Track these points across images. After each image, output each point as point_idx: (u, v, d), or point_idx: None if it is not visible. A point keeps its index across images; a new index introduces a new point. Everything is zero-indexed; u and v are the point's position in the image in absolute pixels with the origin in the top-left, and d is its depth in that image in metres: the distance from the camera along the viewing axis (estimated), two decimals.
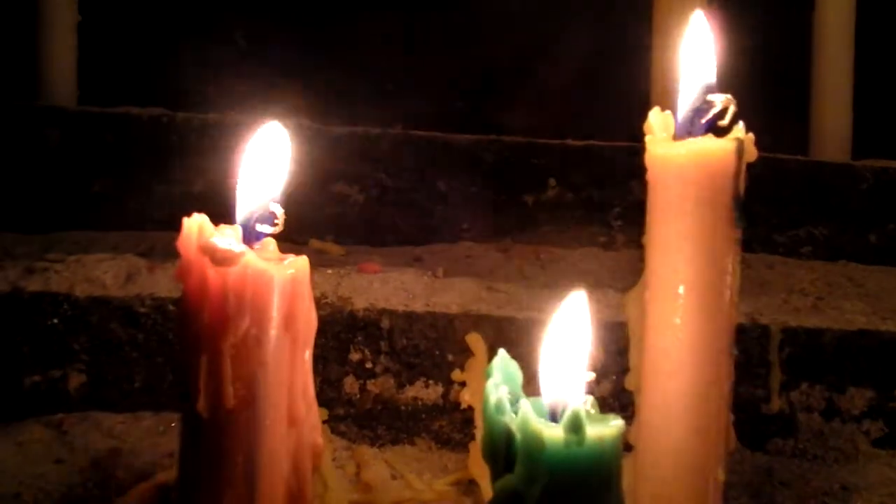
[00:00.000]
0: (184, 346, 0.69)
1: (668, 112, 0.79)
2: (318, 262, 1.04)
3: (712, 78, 0.78)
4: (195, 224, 0.68)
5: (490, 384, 0.67)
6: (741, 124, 0.77)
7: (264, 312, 0.68)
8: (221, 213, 0.72)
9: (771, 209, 1.23)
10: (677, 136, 0.77)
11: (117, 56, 1.39)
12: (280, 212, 0.71)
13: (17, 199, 1.17)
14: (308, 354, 0.71)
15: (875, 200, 1.23)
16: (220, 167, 1.16)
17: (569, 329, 0.68)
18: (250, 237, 0.70)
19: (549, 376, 0.67)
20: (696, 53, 0.78)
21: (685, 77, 0.78)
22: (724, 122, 0.76)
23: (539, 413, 0.66)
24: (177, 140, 1.19)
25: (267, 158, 0.72)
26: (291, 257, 0.70)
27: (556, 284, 1.07)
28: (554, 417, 0.66)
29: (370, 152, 1.21)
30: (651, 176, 0.77)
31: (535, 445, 0.64)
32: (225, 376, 0.67)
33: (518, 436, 0.65)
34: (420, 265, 1.11)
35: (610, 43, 1.44)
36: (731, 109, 0.77)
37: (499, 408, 0.66)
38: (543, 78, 1.47)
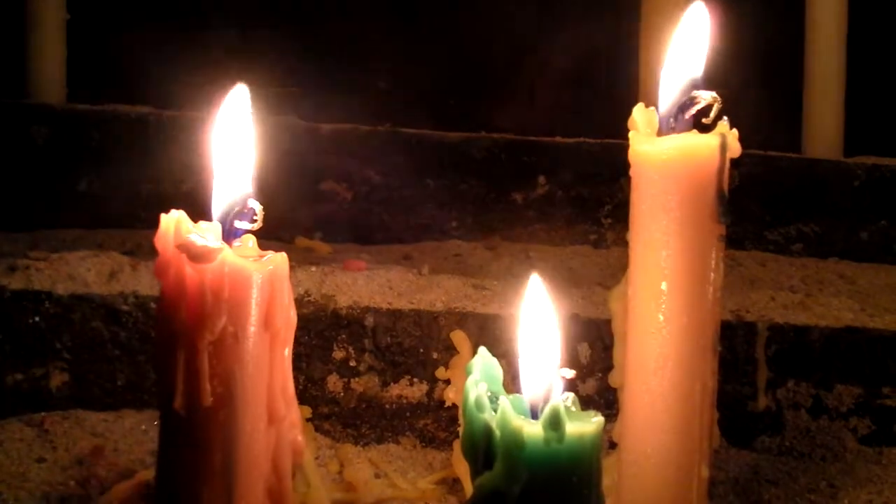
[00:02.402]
0: (161, 344, 0.69)
1: (651, 108, 0.78)
2: (305, 260, 1.04)
3: (699, 72, 0.77)
4: (172, 220, 0.68)
5: (470, 381, 0.67)
6: (725, 120, 0.77)
7: (242, 310, 0.67)
8: (209, 213, 0.72)
9: (763, 206, 1.23)
10: (661, 132, 0.77)
11: (106, 54, 1.39)
12: (259, 208, 0.70)
13: (2, 196, 1.16)
14: (287, 352, 0.70)
15: (867, 197, 1.23)
16: (208, 166, 1.16)
17: (536, 321, 0.68)
18: (229, 234, 0.70)
19: (528, 373, 0.67)
20: (686, 46, 0.78)
21: (669, 70, 0.78)
22: (709, 119, 0.76)
23: (519, 410, 0.66)
24: (164, 138, 1.18)
25: (234, 131, 0.72)
26: (270, 254, 0.70)
27: (544, 282, 1.06)
28: (534, 415, 0.66)
29: (359, 150, 1.21)
30: (634, 172, 0.77)
31: (514, 443, 0.64)
32: (202, 374, 0.67)
33: (498, 433, 0.65)
34: (408, 263, 1.11)
35: (600, 40, 1.44)
36: (716, 106, 0.76)
37: (478, 405, 0.66)
38: (534, 75, 1.47)
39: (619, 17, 1.36)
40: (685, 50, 0.78)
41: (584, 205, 1.22)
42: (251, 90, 1.34)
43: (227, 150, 0.71)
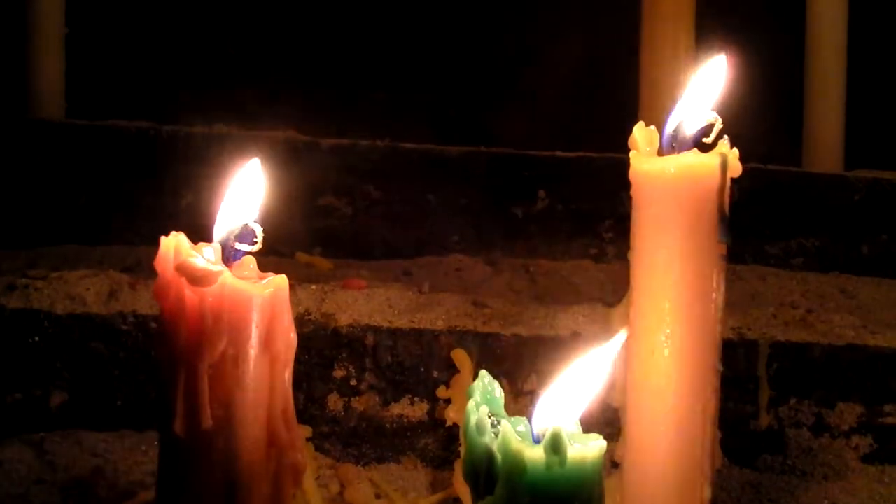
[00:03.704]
0: (161, 367, 0.68)
1: (652, 127, 0.78)
2: (305, 277, 1.03)
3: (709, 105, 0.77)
4: (172, 243, 0.68)
5: (470, 404, 0.67)
6: (726, 139, 0.77)
7: (242, 332, 0.67)
8: (209, 227, 0.71)
9: (763, 220, 1.22)
10: (662, 152, 0.77)
11: (105, 68, 1.38)
12: (259, 230, 0.70)
13: (1, 213, 1.16)
14: (288, 374, 0.70)
15: (867, 211, 1.22)
16: (207, 180, 1.15)
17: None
18: (229, 256, 0.70)
19: (544, 402, 0.67)
20: (703, 88, 0.78)
21: (686, 101, 0.78)
22: (709, 139, 0.76)
23: (521, 434, 0.65)
24: (164, 153, 1.18)
25: (246, 190, 0.72)
26: (271, 276, 0.70)
27: (544, 298, 1.06)
28: (536, 438, 0.66)
29: (359, 164, 1.21)
30: (635, 191, 0.77)
31: (516, 467, 0.63)
32: (202, 397, 0.67)
33: (499, 457, 0.64)
34: (408, 279, 1.10)
35: (602, 54, 1.44)
36: (717, 126, 0.76)
37: (479, 429, 0.66)
38: (535, 89, 1.47)
39: (619, 30, 1.36)
40: (699, 96, 0.78)
41: (585, 219, 1.21)
42: (248, 105, 1.34)
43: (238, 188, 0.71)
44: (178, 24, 1.42)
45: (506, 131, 1.38)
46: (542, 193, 1.22)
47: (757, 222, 1.22)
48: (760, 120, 1.34)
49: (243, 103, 1.35)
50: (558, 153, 1.24)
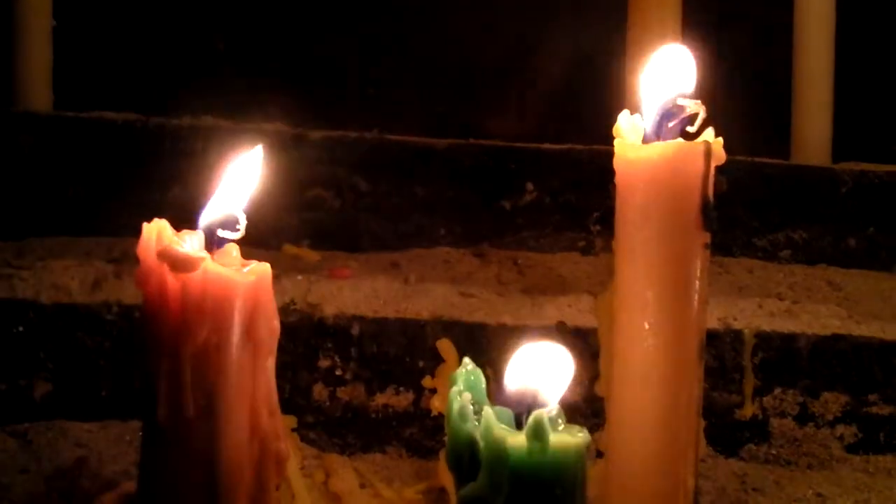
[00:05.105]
0: (144, 354, 0.68)
1: (637, 115, 0.78)
2: (291, 268, 1.03)
3: (689, 87, 0.77)
4: (154, 229, 0.68)
5: (453, 391, 0.67)
6: (711, 128, 0.77)
7: (224, 320, 0.67)
8: (195, 219, 0.71)
9: (751, 213, 1.22)
10: (646, 140, 0.77)
11: (93, 60, 1.38)
12: (242, 217, 0.70)
13: None
14: (271, 362, 0.70)
15: (855, 204, 1.22)
16: (194, 172, 1.15)
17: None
18: (212, 243, 0.70)
19: (516, 386, 0.67)
20: (670, 71, 0.78)
21: (653, 84, 0.78)
22: (693, 128, 0.76)
23: (504, 421, 0.66)
24: (151, 145, 1.18)
25: (243, 172, 0.71)
26: (254, 263, 0.70)
27: (532, 290, 1.06)
28: (519, 425, 0.66)
29: (347, 157, 1.20)
30: (619, 179, 0.77)
31: (498, 453, 0.64)
32: (185, 385, 0.66)
33: (481, 443, 0.65)
34: (396, 271, 1.10)
35: (590, 47, 1.44)
36: (701, 115, 0.76)
37: (462, 415, 0.66)
38: (522, 82, 1.47)
39: (607, 27, 1.36)
40: (669, 71, 0.78)
41: (573, 211, 1.21)
42: (237, 97, 1.34)
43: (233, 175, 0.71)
44: (166, 16, 1.42)
45: (495, 126, 1.38)
46: (530, 186, 1.22)
47: (744, 214, 1.22)
48: (747, 112, 1.34)
49: (231, 95, 1.34)
50: (546, 146, 1.23)
